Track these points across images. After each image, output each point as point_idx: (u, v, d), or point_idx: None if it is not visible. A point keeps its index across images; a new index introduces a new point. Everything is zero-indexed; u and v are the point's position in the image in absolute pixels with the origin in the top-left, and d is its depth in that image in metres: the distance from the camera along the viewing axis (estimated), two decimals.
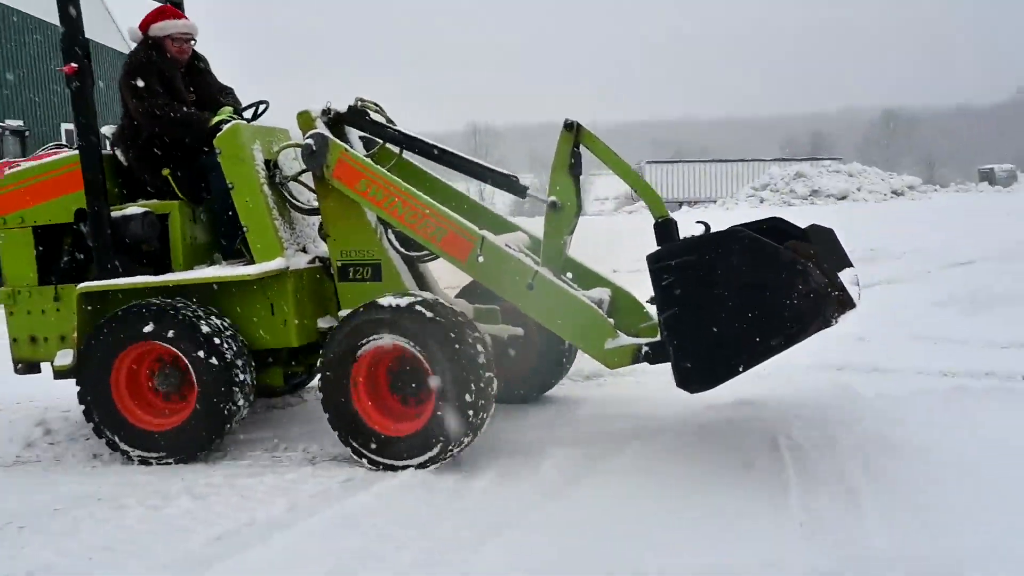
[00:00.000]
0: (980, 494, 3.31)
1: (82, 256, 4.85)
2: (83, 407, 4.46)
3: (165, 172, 4.72)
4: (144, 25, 4.89)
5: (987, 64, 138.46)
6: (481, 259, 4.11)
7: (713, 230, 3.74)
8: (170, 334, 4.29)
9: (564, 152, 4.15)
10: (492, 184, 4.70)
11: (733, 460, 3.86)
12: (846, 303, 3.48)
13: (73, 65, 4.45)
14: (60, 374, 4.71)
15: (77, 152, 4.60)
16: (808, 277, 3.35)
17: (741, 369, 3.51)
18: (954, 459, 3.65)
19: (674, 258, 3.61)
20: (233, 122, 4.59)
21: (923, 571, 2.80)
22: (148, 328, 4.32)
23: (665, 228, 3.95)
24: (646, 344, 3.90)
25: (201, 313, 4.36)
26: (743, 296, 3.44)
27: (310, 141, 4.37)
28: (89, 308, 4.59)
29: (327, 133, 4.40)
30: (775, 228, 4.15)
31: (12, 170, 4.98)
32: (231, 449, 4.61)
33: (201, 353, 4.26)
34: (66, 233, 4.87)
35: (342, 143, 4.41)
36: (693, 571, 2.89)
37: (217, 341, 4.28)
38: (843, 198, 28.18)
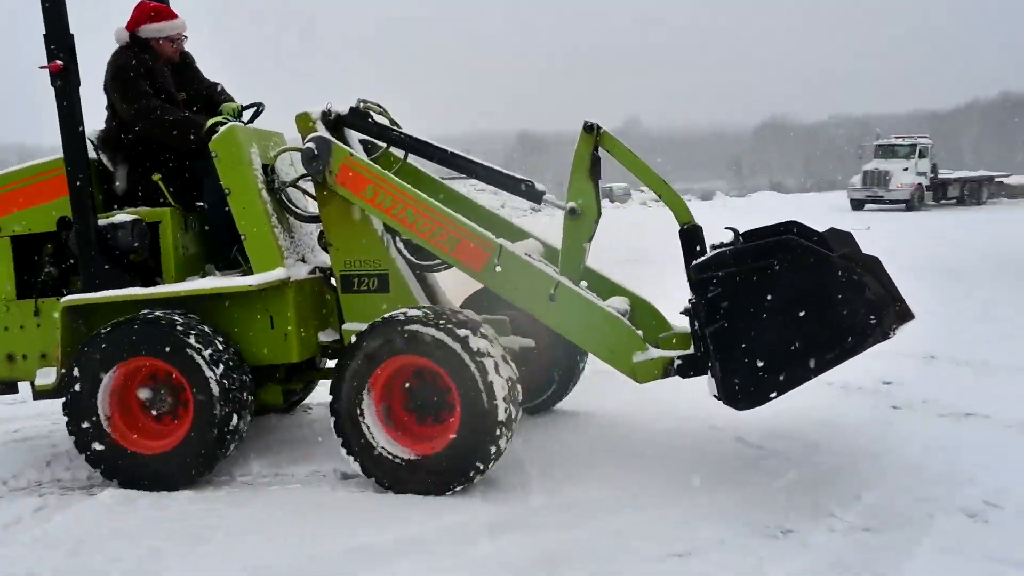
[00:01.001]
0: None
1: (65, 267, 4.55)
2: (69, 427, 4.16)
3: (156, 177, 4.46)
4: (132, 24, 4.63)
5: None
6: (499, 268, 3.90)
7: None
8: (165, 350, 4.01)
9: (584, 155, 4.00)
10: (506, 189, 4.49)
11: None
12: (905, 315, 3.35)
13: (58, 63, 4.15)
14: (41, 394, 4.41)
15: (60, 157, 4.30)
16: (866, 287, 3.21)
17: (793, 385, 3.35)
18: None
19: (722, 268, 3.41)
20: (229, 124, 4.35)
21: None
22: (139, 344, 4.04)
23: (692, 235, 3.82)
24: (678, 357, 3.74)
25: (197, 327, 4.08)
26: (796, 308, 3.28)
27: (311, 145, 4.12)
28: (74, 323, 4.31)
29: (329, 136, 4.16)
30: (794, 231, 4.00)
31: None
32: None
33: (197, 370, 3.98)
34: (47, 243, 4.54)
35: (346, 147, 4.18)
36: None
37: (214, 357, 4.00)
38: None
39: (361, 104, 4.45)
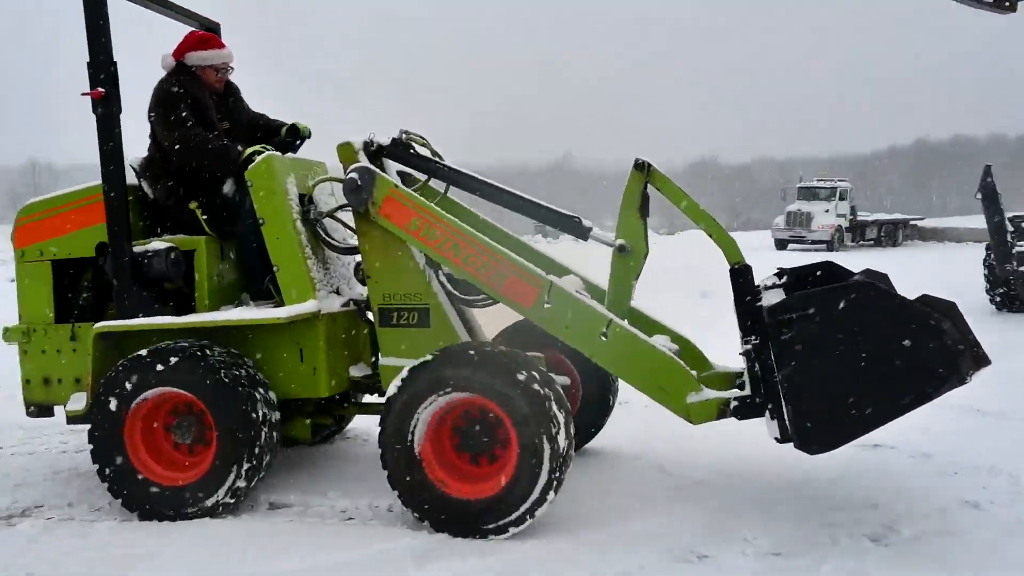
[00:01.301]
0: None
1: (102, 293, 4.53)
2: (94, 456, 4.08)
3: (192, 206, 4.44)
4: (179, 52, 4.65)
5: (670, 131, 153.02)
6: (548, 305, 3.82)
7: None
8: (191, 380, 3.97)
9: (634, 192, 4.04)
10: (551, 224, 4.38)
11: None
12: (981, 360, 3.29)
13: (100, 90, 4.16)
14: (73, 419, 4.36)
15: (100, 183, 4.30)
16: (943, 333, 3.21)
17: (868, 430, 3.37)
18: None
19: (795, 311, 3.39)
20: (266, 153, 4.31)
21: None
22: (167, 373, 3.98)
23: (742, 275, 3.78)
24: (734, 399, 3.69)
25: (226, 359, 4.04)
26: (872, 353, 3.28)
27: (354, 175, 4.02)
28: (106, 349, 4.25)
29: (372, 167, 4.09)
30: (829, 272, 4.11)
31: (32, 200, 4.69)
32: None
33: (222, 403, 3.94)
34: (86, 268, 4.56)
35: (391, 178, 4.13)
36: None
37: (241, 390, 3.96)
38: None
39: (403, 135, 4.41)
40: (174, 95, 4.49)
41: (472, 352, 3.70)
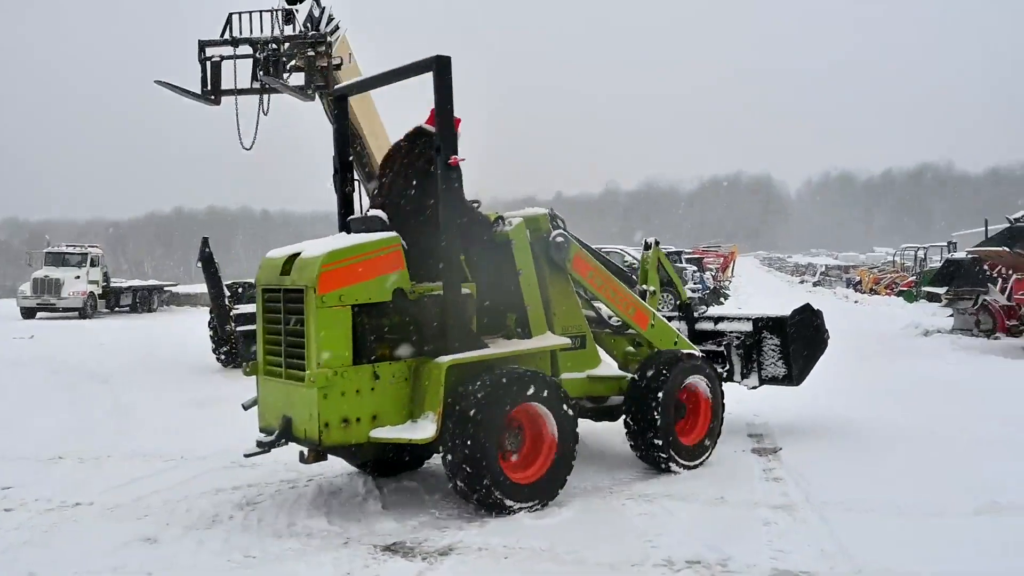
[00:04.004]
0: None
1: (394, 334, 5.00)
2: (455, 470, 4.85)
3: (461, 257, 5.36)
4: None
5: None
6: (653, 326, 6.54)
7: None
8: (544, 395, 5.14)
9: (653, 261, 7.53)
10: (629, 284, 6.82)
11: None
12: (827, 340, 7.39)
13: (458, 158, 5.02)
14: (417, 446, 5.20)
15: (394, 235, 5.06)
16: (824, 330, 7.35)
17: (811, 368, 7.25)
18: None
19: (795, 319, 7.17)
20: (519, 219, 5.84)
21: None
22: (530, 391, 5.08)
23: (687, 308, 7.73)
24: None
25: (548, 377, 5.33)
26: (813, 336, 7.23)
27: (560, 239, 5.95)
28: (447, 380, 4.92)
29: (570, 234, 6.07)
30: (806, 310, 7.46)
31: (332, 248, 4.96)
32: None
33: (564, 409, 5.21)
34: (381, 312, 4.96)
35: (576, 242, 6.16)
36: None
37: (568, 399, 5.29)
38: None
39: (552, 210, 6.12)
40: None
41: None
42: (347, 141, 5.89)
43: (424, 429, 4.82)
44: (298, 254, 5.02)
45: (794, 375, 6.98)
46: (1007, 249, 14.49)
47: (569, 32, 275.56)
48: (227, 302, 12.12)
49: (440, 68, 4.98)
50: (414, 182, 5.36)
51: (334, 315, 4.78)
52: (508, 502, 4.90)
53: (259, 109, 12.46)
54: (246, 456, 5.14)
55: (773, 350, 7.06)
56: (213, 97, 12.38)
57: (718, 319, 7.60)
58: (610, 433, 6.73)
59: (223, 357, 12.68)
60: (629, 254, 25.45)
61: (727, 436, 6.63)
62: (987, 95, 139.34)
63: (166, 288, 32.67)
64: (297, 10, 12.36)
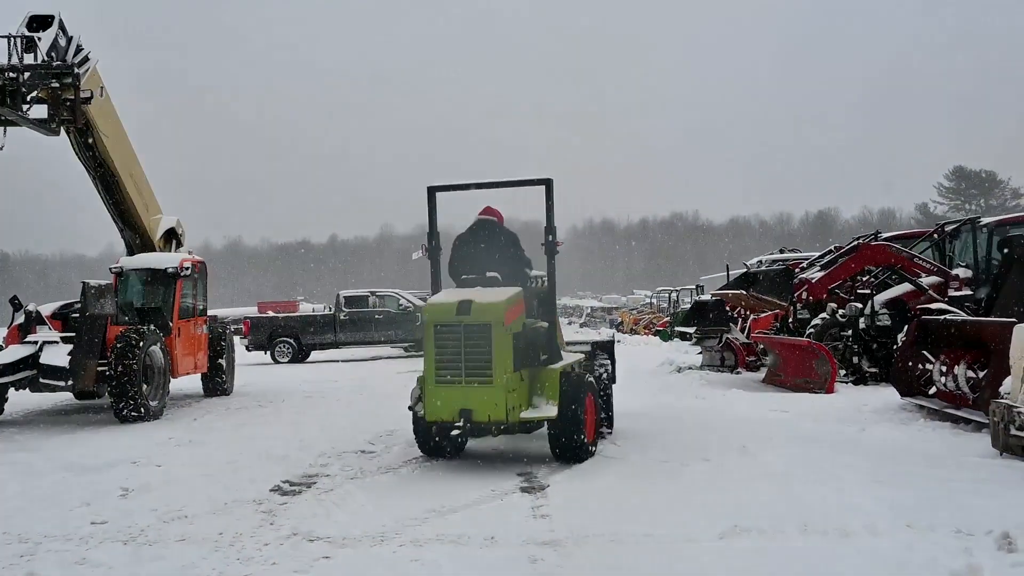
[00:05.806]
0: None
1: (522, 351, 7.50)
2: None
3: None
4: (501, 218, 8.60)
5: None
6: None
7: None
8: (592, 383, 8.18)
9: None
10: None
11: None
12: None
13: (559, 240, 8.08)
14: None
15: (519, 288, 7.72)
16: None
17: None
18: None
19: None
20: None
21: None
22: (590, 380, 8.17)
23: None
24: None
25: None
26: None
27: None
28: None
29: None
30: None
31: (505, 296, 7.43)
32: None
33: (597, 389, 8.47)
34: (519, 337, 7.41)
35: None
36: None
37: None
38: None
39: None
40: None
41: None
42: (435, 225, 8.35)
43: (551, 410, 7.32)
44: (471, 301, 7.18)
45: None
46: (744, 292, 16.15)
47: None
48: None
49: (548, 187, 7.99)
50: (492, 255, 8.12)
51: (508, 339, 7.17)
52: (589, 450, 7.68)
53: None
54: (452, 434, 7.29)
55: None
56: None
57: None
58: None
59: None
60: (404, 297, 25.63)
61: (497, 478, 6.90)
62: (730, 152, 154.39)
63: None
64: (40, 38, 11.42)
